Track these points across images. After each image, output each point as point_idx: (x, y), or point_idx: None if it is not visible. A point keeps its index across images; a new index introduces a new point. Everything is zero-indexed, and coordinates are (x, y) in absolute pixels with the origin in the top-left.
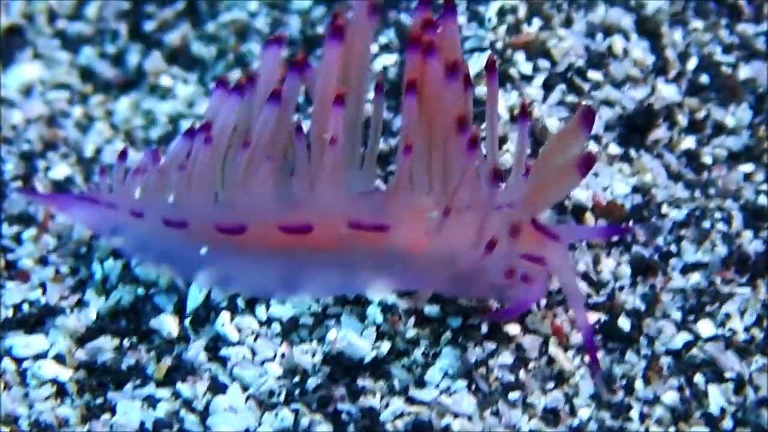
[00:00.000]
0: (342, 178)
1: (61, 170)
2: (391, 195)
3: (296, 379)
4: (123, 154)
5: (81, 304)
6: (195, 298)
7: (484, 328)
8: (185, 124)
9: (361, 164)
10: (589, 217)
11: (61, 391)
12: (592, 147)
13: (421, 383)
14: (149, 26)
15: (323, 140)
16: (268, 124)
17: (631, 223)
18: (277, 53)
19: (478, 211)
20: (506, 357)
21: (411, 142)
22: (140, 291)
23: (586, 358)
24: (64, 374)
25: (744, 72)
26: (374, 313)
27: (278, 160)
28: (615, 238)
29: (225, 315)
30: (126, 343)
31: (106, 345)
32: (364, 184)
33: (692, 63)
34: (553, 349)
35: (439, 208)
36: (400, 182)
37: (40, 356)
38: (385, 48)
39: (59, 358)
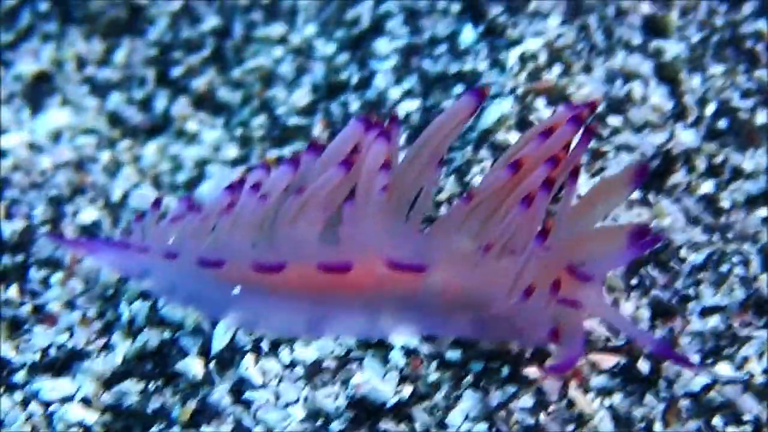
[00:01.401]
0: (386, 221)
1: (88, 214)
2: (435, 235)
3: (319, 422)
4: (157, 202)
5: (107, 347)
6: (220, 340)
7: (505, 371)
8: (211, 169)
9: (407, 218)
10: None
11: None
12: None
13: (442, 426)
14: (176, 72)
15: (369, 191)
16: (330, 182)
17: (650, 266)
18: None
19: (518, 257)
20: (527, 400)
21: (474, 194)
22: (166, 334)
23: (607, 401)
24: (91, 418)
25: (761, 117)
26: (397, 356)
27: (329, 212)
28: (634, 282)
29: (249, 358)
30: (152, 386)
31: (131, 388)
32: (407, 230)
33: (710, 108)
34: (573, 392)
35: (477, 255)
36: (448, 224)
37: (67, 400)
38: (408, 94)
39: (86, 402)
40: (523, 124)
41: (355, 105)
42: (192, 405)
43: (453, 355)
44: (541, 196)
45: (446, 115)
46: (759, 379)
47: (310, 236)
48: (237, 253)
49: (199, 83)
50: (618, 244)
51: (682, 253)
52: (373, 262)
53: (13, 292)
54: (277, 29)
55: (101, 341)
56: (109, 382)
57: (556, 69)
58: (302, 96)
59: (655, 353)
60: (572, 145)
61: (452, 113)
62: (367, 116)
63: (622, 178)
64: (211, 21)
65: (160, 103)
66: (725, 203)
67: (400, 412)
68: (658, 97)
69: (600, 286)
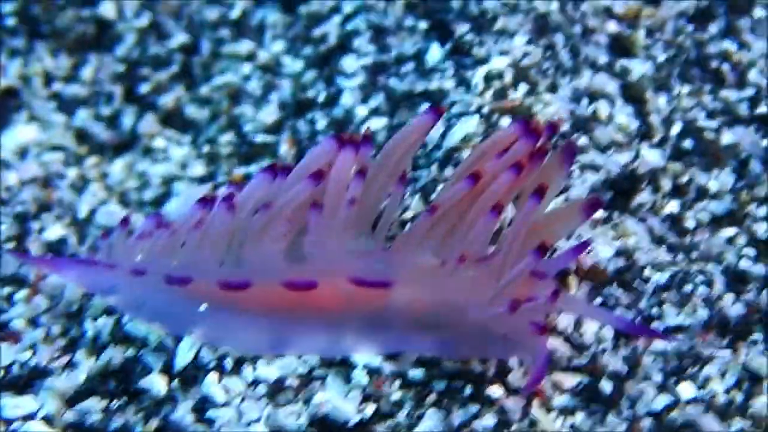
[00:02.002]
0: (350, 238)
1: (54, 231)
2: (398, 251)
3: None
4: (125, 221)
5: (71, 364)
6: (184, 357)
7: (468, 391)
8: (179, 186)
9: (371, 233)
10: (572, 280)
11: None
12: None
13: None
14: (143, 89)
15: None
16: (297, 197)
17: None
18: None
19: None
20: (489, 419)
21: (438, 205)
22: (130, 351)
23: (569, 420)
24: None
25: (727, 137)
26: (360, 375)
27: (295, 227)
28: (598, 302)
29: (213, 376)
30: (114, 404)
31: (94, 406)
32: (371, 247)
33: (676, 128)
34: (536, 411)
35: (442, 268)
36: (410, 239)
37: (29, 417)
38: (375, 112)
39: (48, 420)
40: None
41: (322, 123)
42: (154, 423)
43: (416, 374)
44: (531, 204)
45: (403, 132)
46: (721, 398)
47: (276, 253)
48: (204, 270)
49: (167, 100)
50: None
51: (646, 272)
52: (338, 279)
53: None
54: (245, 46)
55: (65, 359)
56: (72, 399)
57: (522, 88)
58: (270, 113)
59: (625, 331)
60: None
61: (409, 130)
62: (339, 135)
63: (576, 208)
64: (178, 38)
65: (128, 119)
66: (690, 223)
67: (363, 430)
68: (624, 116)
69: (555, 281)
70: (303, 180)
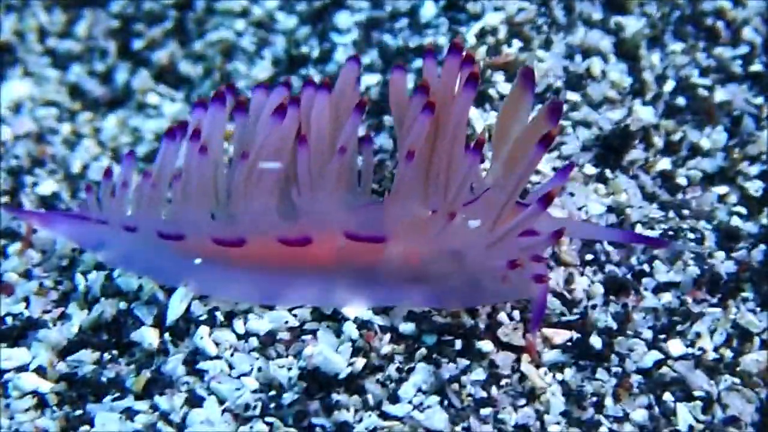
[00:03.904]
0: (341, 190)
1: (48, 186)
2: (389, 205)
3: (272, 393)
4: (108, 172)
5: (63, 317)
6: (175, 310)
7: (458, 345)
8: None
9: (359, 183)
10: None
11: (41, 403)
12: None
13: (394, 398)
14: (137, 45)
15: (324, 154)
16: (272, 136)
17: (606, 243)
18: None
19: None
20: (479, 373)
21: (413, 150)
22: (122, 304)
23: (558, 376)
24: (45, 386)
25: (720, 95)
26: (350, 329)
27: (281, 172)
28: (589, 258)
29: (204, 329)
30: (106, 356)
31: (86, 358)
32: (362, 201)
33: (669, 85)
34: (525, 366)
35: (435, 218)
36: (399, 191)
37: (22, 368)
38: (368, 68)
39: (40, 371)
40: (482, 98)
41: (315, 78)
42: (146, 375)
43: (406, 328)
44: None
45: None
46: (710, 355)
47: (268, 209)
48: (196, 225)
49: (161, 56)
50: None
51: (638, 229)
52: (332, 234)
53: None
54: (238, 2)
55: (57, 311)
56: (65, 351)
57: (516, 44)
58: (263, 69)
59: (626, 242)
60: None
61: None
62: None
63: (542, 120)
64: None
65: (121, 75)
66: (681, 180)
67: (353, 383)
68: (617, 73)
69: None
70: (269, 120)
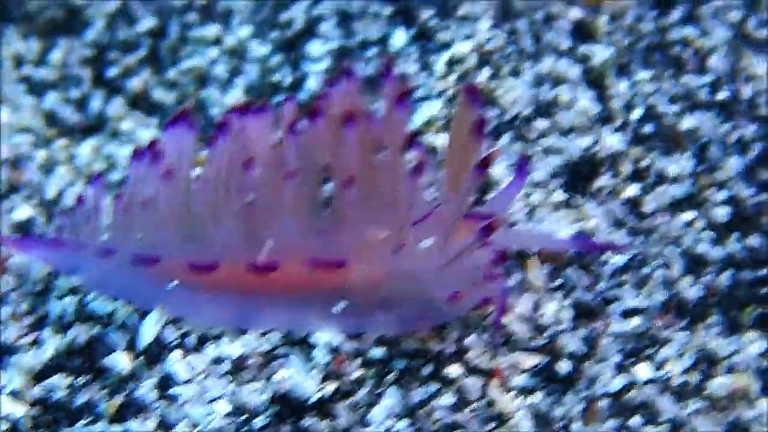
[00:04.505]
0: (302, 213)
1: (23, 212)
2: (343, 230)
3: (243, 417)
4: (81, 198)
5: (37, 342)
6: (147, 335)
7: (428, 370)
8: None
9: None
10: (533, 262)
11: (15, 428)
12: (538, 195)
13: (365, 423)
14: (112, 72)
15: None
16: (232, 160)
17: (573, 268)
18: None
19: (439, 225)
20: (448, 398)
21: (354, 176)
22: (96, 329)
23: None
24: (19, 411)
25: (687, 122)
26: (321, 354)
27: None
28: (557, 283)
29: (176, 353)
30: (80, 380)
31: (60, 383)
32: (326, 224)
33: (637, 113)
34: (494, 391)
35: (388, 239)
36: (348, 215)
37: None
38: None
39: (15, 395)
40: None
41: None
42: (119, 399)
43: (376, 352)
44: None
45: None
46: (678, 379)
47: (236, 235)
48: (170, 249)
49: (135, 84)
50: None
51: (605, 255)
52: (297, 260)
53: None
54: (212, 30)
55: (31, 336)
56: (39, 376)
57: (485, 72)
58: (235, 97)
59: (582, 250)
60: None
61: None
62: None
63: (469, 140)
64: (147, 22)
65: (96, 103)
66: (649, 207)
67: (324, 408)
68: (586, 101)
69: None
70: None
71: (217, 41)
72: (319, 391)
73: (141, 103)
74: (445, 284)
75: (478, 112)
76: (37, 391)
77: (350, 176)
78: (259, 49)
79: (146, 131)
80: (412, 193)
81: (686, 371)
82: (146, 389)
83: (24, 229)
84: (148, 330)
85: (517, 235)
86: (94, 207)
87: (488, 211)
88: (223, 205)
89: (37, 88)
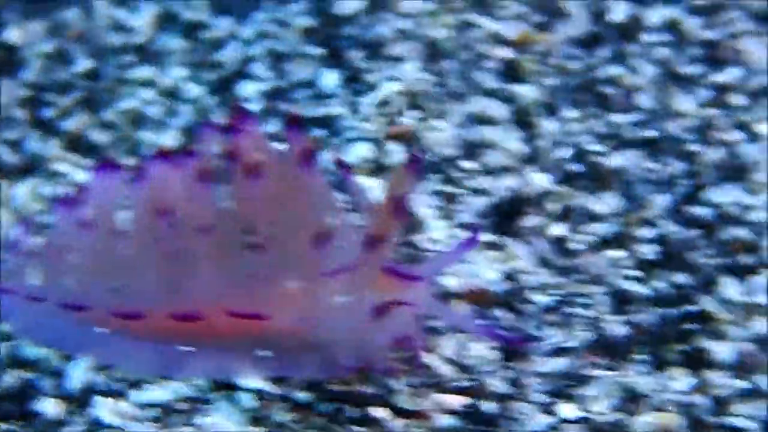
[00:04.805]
0: (223, 262)
1: None
2: (260, 283)
3: None
4: (12, 243)
5: None
6: (76, 380)
7: (354, 413)
8: None
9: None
10: (458, 303)
11: None
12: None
13: None
14: (48, 113)
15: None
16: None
17: (500, 309)
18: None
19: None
20: None
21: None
22: (25, 374)
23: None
24: None
25: (614, 161)
26: (248, 398)
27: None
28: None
29: (104, 398)
30: (10, 426)
31: None
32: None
33: (564, 152)
34: None
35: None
36: (270, 265)
37: None
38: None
39: None
40: (379, 168)
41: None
42: None
43: (302, 396)
44: None
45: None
46: (604, 418)
47: (159, 284)
48: (97, 297)
49: (71, 124)
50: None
51: (531, 295)
52: (219, 310)
53: None
54: (147, 72)
55: None
56: None
57: (413, 113)
58: (171, 138)
59: (489, 337)
60: None
61: None
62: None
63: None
64: (83, 63)
65: (33, 144)
66: (576, 245)
67: None
68: (513, 141)
69: (428, 285)
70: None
71: (152, 83)
72: None
73: (77, 144)
74: (363, 336)
75: (411, 183)
76: None
77: (255, 229)
78: (193, 90)
79: (83, 173)
80: (324, 247)
81: (612, 410)
82: None
83: None
84: (77, 375)
85: (439, 308)
86: (23, 251)
87: (417, 272)
88: (143, 253)
89: None
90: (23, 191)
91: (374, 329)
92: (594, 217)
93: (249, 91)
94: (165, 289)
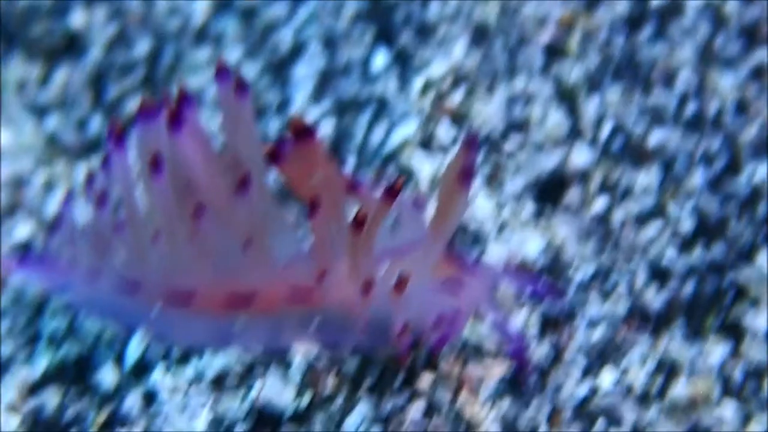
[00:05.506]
0: (272, 240)
1: (23, 231)
2: (314, 258)
3: (223, 428)
4: (58, 221)
5: (31, 357)
6: (134, 351)
7: (399, 380)
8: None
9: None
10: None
11: None
12: (508, 210)
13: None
14: (110, 95)
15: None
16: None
17: (541, 281)
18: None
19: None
20: (419, 407)
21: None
22: (85, 346)
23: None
24: (12, 424)
25: (654, 137)
26: (298, 366)
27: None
28: (527, 294)
29: (160, 368)
30: (69, 395)
31: (51, 397)
32: (292, 242)
33: (606, 129)
34: (463, 399)
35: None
36: (317, 245)
37: None
38: (323, 116)
39: (8, 408)
40: (426, 146)
41: (274, 126)
42: (106, 413)
43: (350, 365)
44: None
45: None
46: (640, 386)
47: (213, 263)
48: (150, 276)
49: (132, 106)
50: (454, 190)
51: (573, 267)
52: (275, 287)
53: None
54: (204, 53)
55: (26, 351)
56: (31, 390)
57: (460, 92)
58: None
59: (511, 354)
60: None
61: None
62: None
63: (458, 156)
64: (143, 46)
65: (95, 124)
66: (617, 220)
67: (299, 419)
68: (557, 118)
69: (483, 283)
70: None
71: (209, 64)
72: (295, 402)
73: None
74: (415, 312)
75: (471, 162)
76: (30, 403)
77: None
78: (248, 71)
79: None
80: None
81: (649, 377)
82: (131, 403)
83: (24, 248)
84: (134, 348)
85: (487, 305)
86: (76, 230)
87: (477, 267)
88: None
89: (38, 111)
90: (85, 170)
91: (426, 306)
92: (634, 192)
93: (302, 72)
94: (218, 266)
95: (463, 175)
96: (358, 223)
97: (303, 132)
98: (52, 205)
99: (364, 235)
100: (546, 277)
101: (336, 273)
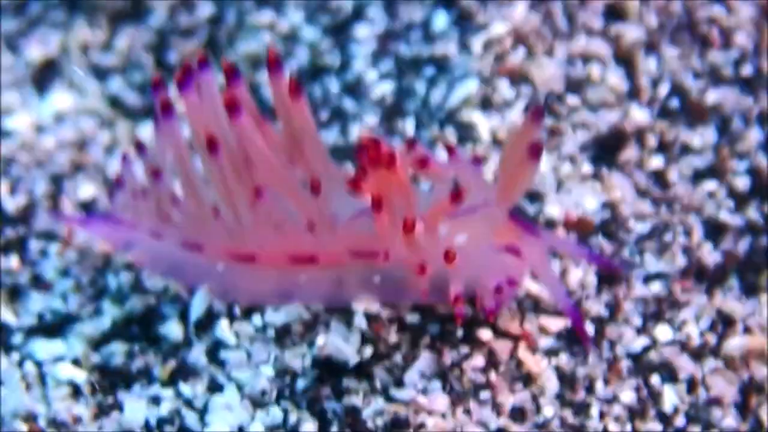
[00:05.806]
0: (330, 202)
1: (87, 191)
2: (378, 218)
3: (287, 380)
4: (121, 181)
5: (97, 312)
6: (198, 307)
7: (459, 334)
8: None
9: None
10: (560, 232)
11: (76, 392)
12: (567, 167)
13: (400, 384)
14: (172, 57)
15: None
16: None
17: (599, 236)
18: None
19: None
20: (478, 360)
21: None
22: (150, 301)
23: (553, 361)
24: (80, 376)
25: (711, 97)
26: (359, 321)
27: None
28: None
29: (224, 322)
30: (136, 347)
31: (118, 350)
32: (350, 203)
33: (664, 89)
34: (522, 353)
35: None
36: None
37: (59, 360)
38: (384, 76)
39: (76, 362)
40: (486, 104)
41: (334, 87)
42: (171, 364)
43: (411, 318)
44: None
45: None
46: (696, 340)
47: (274, 226)
48: (212, 237)
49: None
50: (526, 164)
51: (630, 224)
52: (337, 249)
53: (13, 261)
54: (266, 16)
55: (91, 307)
56: (98, 343)
57: (520, 52)
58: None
59: (571, 322)
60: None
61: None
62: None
63: (525, 124)
64: (205, 9)
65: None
66: (673, 177)
67: (362, 370)
68: (615, 78)
69: (543, 245)
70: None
71: (270, 26)
72: (357, 354)
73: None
74: (476, 271)
75: (538, 134)
76: (96, 357)
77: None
78: (310, 33)
79: None
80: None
81: (704, 332)
82: (197, 355)
83: (88, 207)
84: (198, 303)
85: (545, 269)
86: (137, 190)
87: (539, 230)
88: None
89: (102, 73)
90: (148, 131)
91: (486, 269)
92: (690, 150)
93: (363, 33)
94: (279, 230)
95: (534, 149)
96: (457, 195)
97: (382, 158)
98: (115, 166)
99: (448, 206)
100: (601, 251)
101: (399, 236)
